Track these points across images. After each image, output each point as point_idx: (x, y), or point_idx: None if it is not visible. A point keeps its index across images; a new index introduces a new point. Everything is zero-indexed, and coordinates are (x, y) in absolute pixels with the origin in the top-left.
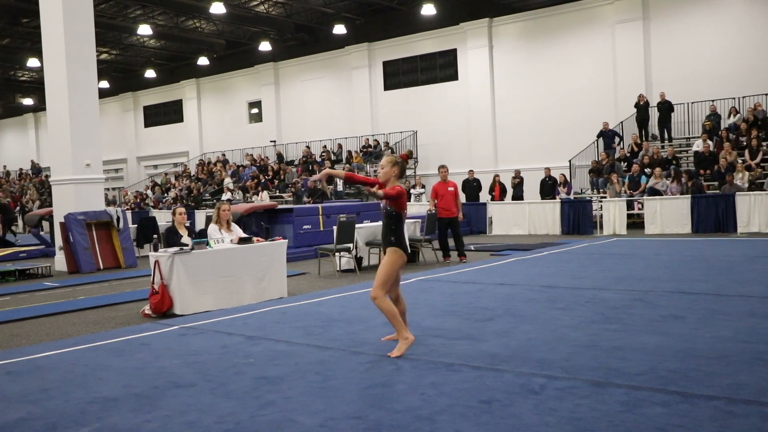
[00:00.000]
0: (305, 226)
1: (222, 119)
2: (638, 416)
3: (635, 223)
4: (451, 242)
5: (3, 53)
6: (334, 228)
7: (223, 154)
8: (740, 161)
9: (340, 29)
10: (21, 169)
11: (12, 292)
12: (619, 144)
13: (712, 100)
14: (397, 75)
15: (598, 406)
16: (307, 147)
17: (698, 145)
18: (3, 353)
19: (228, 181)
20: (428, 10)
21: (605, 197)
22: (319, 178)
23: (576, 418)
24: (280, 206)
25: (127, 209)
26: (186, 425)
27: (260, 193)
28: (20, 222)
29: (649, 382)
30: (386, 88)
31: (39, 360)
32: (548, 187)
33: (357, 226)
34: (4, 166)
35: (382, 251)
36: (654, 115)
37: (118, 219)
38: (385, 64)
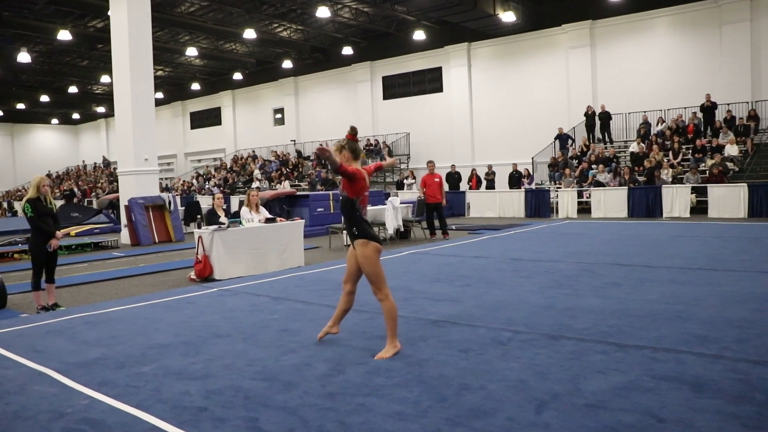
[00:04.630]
0: (319, 209)
1: (252, 122)
2: (583, 362)
3: (584, 208)
4: (436, 223)
5: (83, 72)
6: None
7: (253, 151)
8: (666, 160)
9: (347, 50)
10: (95, 163)
11: (89, 260)
12: (571, 145)
13: (644, 111)
14: (394, 87)
15: (553, 354)
16: (321, 145)
17: (633, 147)
18: (82, 308)
19: (257, 173)
20: (419, 35)
21: (560, 187)
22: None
23: (535, 363)
24: (298, 193)
25: (177, 195)
26: (223, 367)
27: (283, 182)
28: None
29: (593, 336)
30: (385, 97)
31: (110, 313)
32: (515, 179)
33: None
34: (83, 161)
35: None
36: (599, 122)
37: (169, 202)
38: (384, 78)
